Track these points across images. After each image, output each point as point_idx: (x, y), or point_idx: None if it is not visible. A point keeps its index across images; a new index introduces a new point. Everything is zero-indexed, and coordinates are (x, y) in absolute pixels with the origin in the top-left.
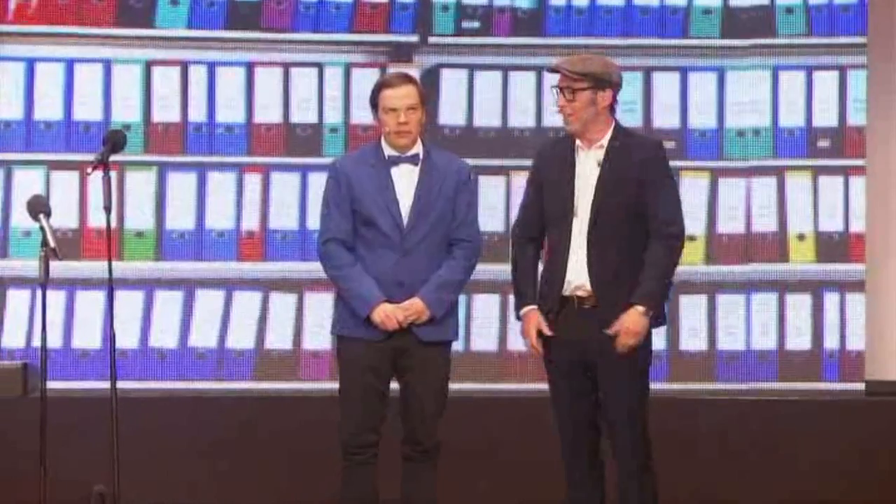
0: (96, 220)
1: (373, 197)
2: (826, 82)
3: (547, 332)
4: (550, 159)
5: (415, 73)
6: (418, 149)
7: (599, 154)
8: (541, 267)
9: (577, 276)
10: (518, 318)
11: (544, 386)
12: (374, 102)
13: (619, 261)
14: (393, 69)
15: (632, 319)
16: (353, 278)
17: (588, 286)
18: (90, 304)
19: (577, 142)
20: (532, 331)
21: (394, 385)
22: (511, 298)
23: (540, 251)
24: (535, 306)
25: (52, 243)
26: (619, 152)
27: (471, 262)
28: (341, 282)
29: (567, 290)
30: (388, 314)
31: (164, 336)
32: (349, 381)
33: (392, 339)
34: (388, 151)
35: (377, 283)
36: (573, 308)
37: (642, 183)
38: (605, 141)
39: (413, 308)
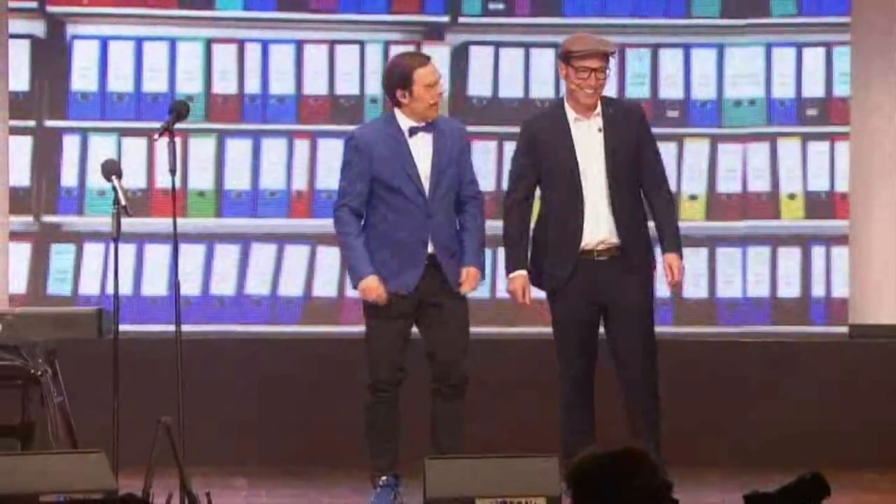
0: (163, 181)
1: (394, 166)
2: (814, 57)
3: (528, 301)
4: (544, 129)
5: (446, 50)
6: None
7: (598, 122)
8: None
9: (600, 230)
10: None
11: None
12: (406, 81)
13: (635, 213)
14: (426, 46)
15: (674, 260)
16: (355, 248)
17: (614, 238)
18: (157, 256)
19: (571, 112)
20: (520, 291)
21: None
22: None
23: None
24: (524, 271)
25: (123, 202)
26: (614, 118)
27: (484, 215)
28: (344, 247)
29: (588, 245)
30: (372, 288)
31: (223, 285)
32: (380, 329)
33: (417, 290)
34: (407, 123)
35: (406, 243)
36: (591, 259)
37: (639, 142)
38: (598, 109)
39: (473, 277)
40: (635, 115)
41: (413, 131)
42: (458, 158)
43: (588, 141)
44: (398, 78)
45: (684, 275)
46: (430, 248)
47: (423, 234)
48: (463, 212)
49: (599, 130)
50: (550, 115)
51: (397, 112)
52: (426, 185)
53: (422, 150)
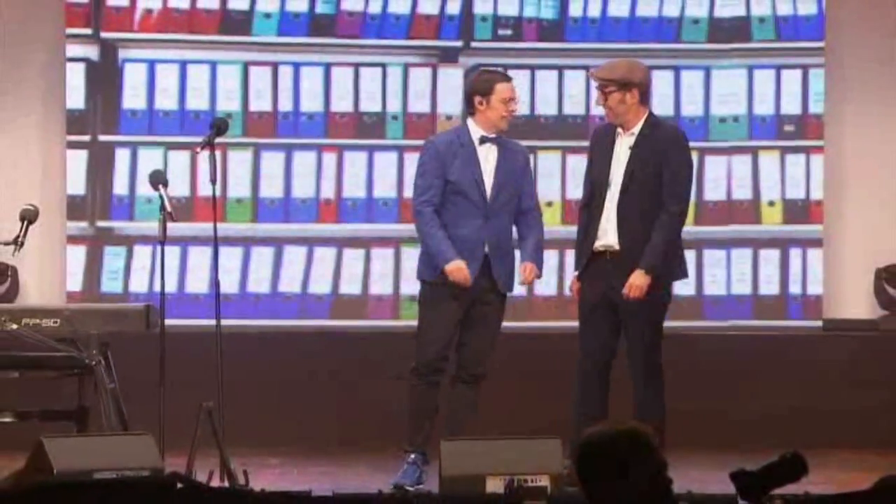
0: (204, 190)
1: (463, 172)
2: (791, 78)
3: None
4: (599, 140)
5: (459, 71)
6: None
7: (632, 140)
8: None
9: (607, 236)
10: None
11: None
12: (487, 90)
13: (641, 226)
14: (442, 68)
15: (634, 278)
16: (438, 237)
17: (616, 245)
18: (200, 257)
19: (619, 128)
20: (576, 290)
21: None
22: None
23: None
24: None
25: (169, 208)
26: (646, 140)
27: (541, 225)
28: (427, 237)
29: (598, 246)
30: (461, 269)
31: (259, 283)
32: (435, 318)
33: (472, 288)
34: (478, 132)
35: (466, 239)
36: (604, 260)
37: (662, 166)
38: (636, 129)
39: (530, 270)
40: (667, 138)
41: (482, 140)
42: (520, 175)
43: (620, 155)
44: (481, 86)
45: (640, 291)
46: (486, 249)
47: (480, 234)
48: (519, 222)
49: (630, 148)
50: (608, 128)
51: (470, 122)
52: (488, 190)
53: (488, 159)
